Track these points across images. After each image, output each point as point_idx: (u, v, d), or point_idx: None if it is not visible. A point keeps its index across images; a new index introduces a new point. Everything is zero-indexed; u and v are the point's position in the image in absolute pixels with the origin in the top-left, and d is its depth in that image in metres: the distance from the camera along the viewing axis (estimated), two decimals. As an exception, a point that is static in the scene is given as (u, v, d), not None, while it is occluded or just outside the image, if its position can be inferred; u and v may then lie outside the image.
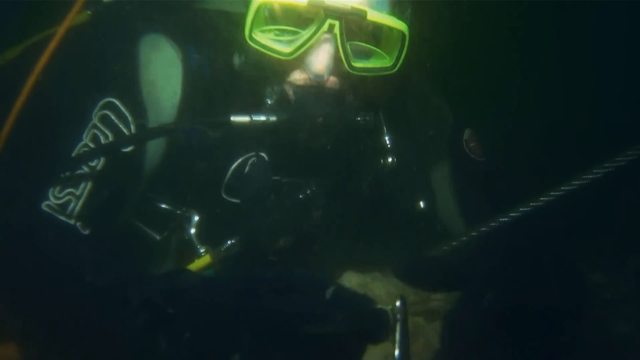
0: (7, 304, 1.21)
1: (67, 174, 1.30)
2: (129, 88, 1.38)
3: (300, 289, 0.96)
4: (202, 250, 1.44)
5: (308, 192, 1.45)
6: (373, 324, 0.93)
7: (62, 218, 1.28)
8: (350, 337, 0.91)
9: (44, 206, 1.28)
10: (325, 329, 0.90)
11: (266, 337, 0.90)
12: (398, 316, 0.94)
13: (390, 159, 1.49)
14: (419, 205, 1.54)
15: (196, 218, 1.45)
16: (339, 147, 1.40)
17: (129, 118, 1.35)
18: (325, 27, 1.25)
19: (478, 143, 1.68)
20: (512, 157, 1.89)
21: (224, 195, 1.47)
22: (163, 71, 1.41)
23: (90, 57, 1.44)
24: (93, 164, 1.33)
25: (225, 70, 1.42)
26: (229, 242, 1.43)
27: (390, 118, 1.51)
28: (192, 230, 1.46)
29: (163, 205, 1.48)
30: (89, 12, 1.58)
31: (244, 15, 1.33)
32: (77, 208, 1.30)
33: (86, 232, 1.30)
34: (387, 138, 1.49)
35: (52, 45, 1.37)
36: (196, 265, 1.42)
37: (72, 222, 1.29)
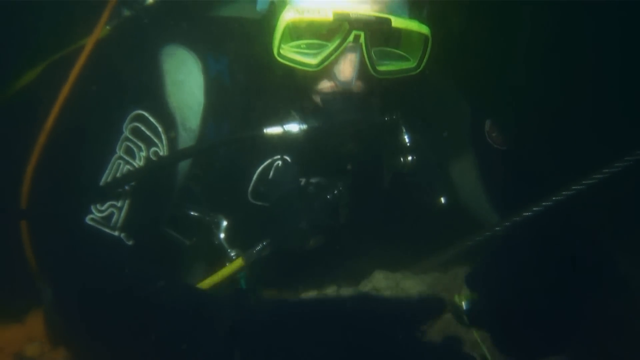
0: (71, 322, 1.26)
1: (108, 190, 1.33)
2: (156, 99, 1.41)
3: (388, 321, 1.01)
4: (232, 254, 1.47)
5: (335, 192, 1.47)
6: None
7: (107, 230, 1.31)
8: None
9: (88, 220, 1.31)
10: None
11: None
12: None
13: (410, 158, 1.51)
14: (440, 201, 1.55)
15: (224, 223, 1.49)
16: (364, 148, 1.42)
17: (159, 128, 1.38)
18: (351, 38, 1.27)
19: (499, 133, 1.69)
20: (535, 146, 1.89)
21: (251, 199, 1.50)
22: (185, 81, 1.44)
23: (114, 72, 1.47)
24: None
25: (246, 79, 1.45)
26: (260, 245, 1.46)
27: (408, 116, 1.52)
28: (222, 235, 1.49)
29: (192, 212, 1.51)
30: (108, 27, 1.61)
31: (260, 23, 1.36)
32: (121, 219, 1.32)
33: (130, 242, 1.33)
34: (406, 137, 1.50)
35: (81, 61, 1.40)
36: (229, 268, 1.45)
37: (116, 233, 1.32)
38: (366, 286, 1.33)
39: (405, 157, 1.51)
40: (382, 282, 1.28)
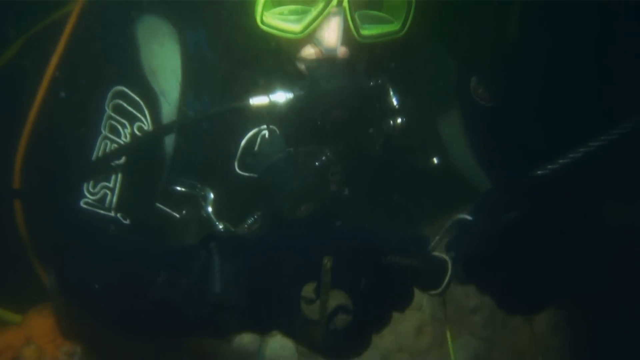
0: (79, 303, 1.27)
1: (98, 169, 1.32)
2: (133, 73, 1.38)
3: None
4: (220, 227, 1.47)
5: (323, 158, 1.47)
6: (439, 270, 0.98)
7: (103, 212, 1.31)
8: (422, 275, 0.96)
9: (82, 204, 1.30)
10: (409, 262, 0.93)
11: (352, 262, 0.93)
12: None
13: (399, 120, 1.49)
14: (433, 162, 1.55)
15: (211, 196, 1.48)
16: (352, 114, 1.41)
17: (141, 102, 1.36)
18: (334, 2, 1.25)
19: (485, 90, 1.68)
20: (522, 102, 1.88)
21: (238, 171, 1.49)
22: (162, 52, 1.41)
23: (90, 49, 1.43)
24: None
25: (226, 49, 1.42)
26: (250, 219, 1.46)
27: (395, 79, 1.50)
28: (209, 209, 1.48)
29: (178, 187, 1.50)
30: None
31: None
32: (115, 200, 1.32)
33: (127, 221, 1.33)
34: (394, 99, 1.49)
35: (62, 41, 1.39)
36: None
37: (112, 214, 1.31)
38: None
39: (394, 120, 1.50)
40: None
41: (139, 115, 1.36)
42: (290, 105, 1.33)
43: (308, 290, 0.91)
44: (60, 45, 1.39)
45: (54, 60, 1.38)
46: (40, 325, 1.43)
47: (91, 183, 1.31)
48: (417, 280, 0.97)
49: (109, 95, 1.35)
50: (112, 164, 1.33)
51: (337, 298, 0.90)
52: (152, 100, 1.38)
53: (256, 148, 1.46)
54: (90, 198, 1.30)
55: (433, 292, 1.00)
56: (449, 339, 1.51)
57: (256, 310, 0.97)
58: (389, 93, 1.48)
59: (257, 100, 1.33)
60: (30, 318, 1.44)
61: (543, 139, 1.58)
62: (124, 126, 1.35)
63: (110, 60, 1.40)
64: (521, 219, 1.01)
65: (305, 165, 1.45)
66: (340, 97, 1.33)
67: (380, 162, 1.59)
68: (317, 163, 1.46)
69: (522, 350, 1.68)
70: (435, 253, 1.00)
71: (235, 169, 1.49)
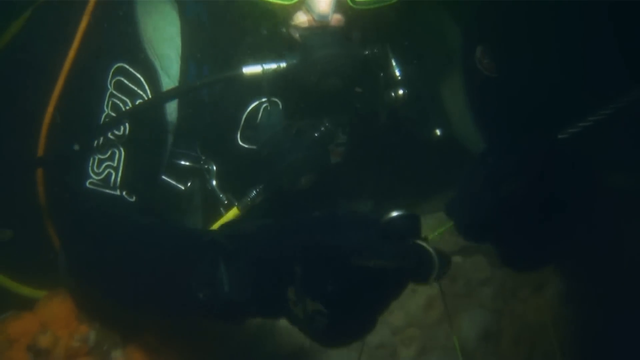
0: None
1: (100, 148, 1.34)
2: (133, 48, 1.39)
3: (348, 224, 0.98)
4: (225, 200, 1.49)
5: (322, 129, 1.46)
6: (418, 263, 0.95)
7: (108, 191, 1.33)
8: (397, 272, 0.93)
9: (88, 184, 1.32)
10: (374, 262, 0.92)
11: (317, 269, 0.93)
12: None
13: (401, 91, 1.47)
14: (436, 134, 1.53)
15: (215, 168, 1.49)
16: (350, 84, 1.39)
17: (141, 79, 1.37)
18: None
19: (491, 60, 1.65)
20: (529, 72, 1.84)
21: (241, 143, 1.49)
22: (161, 25, 1.42)
23: (90, 27, 1.43)
24: (120, 132, 1.36)
25: (224, 19, 1.41)
26: (254, 192, 1.46)
27: (397, 48, 1.48)
28: (214, 182, 1.50)
29: (183, 162, 1.52)
30: None
31: None
32: (119, 178, 1.34)
33: (132, 199, 1.35)
34: (396, 70, 1.47)
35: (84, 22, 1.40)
36: (225, 218, 1.46)
37: (117, 193, 1.33)
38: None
39: (396, 91, 1.47)
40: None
41: (139, 92, 1.37)
42: (283, 74, 1.32)
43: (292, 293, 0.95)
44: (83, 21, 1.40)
45: (78, 36, 1.39)
46: (55, 310, 1.43)
47: (96, 163, 1.33)
48: (397, 277, 0.95)
49: (111, 72, 1.36)
50: (113, 142, 1.34)
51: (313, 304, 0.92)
52: (152, 76, 1.39)
53: (258, 121, 1.46)
54: (95, 178, 1.32)
55: (422, 283, 0.97)
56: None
57: (260, 306, 1.00)
58: (391, 63, 1.46)
59: (250, 69, 1.31)
60: (45, 303, 1.44)
61: (549, 113, 1.54)
62: (125, 104, 1.36)
63: (111, 36, 1.41)
64: (521, 190, 1.00)
65: (305, 136, 1.44)
66: (333, 66, 1.31)
67: (384, 134, 1.58)
68: (316, 134, 1.45)
69: (532, 320, 1.67)
70: (419, 241, 0.96)
71: (237, 141, 1.49)
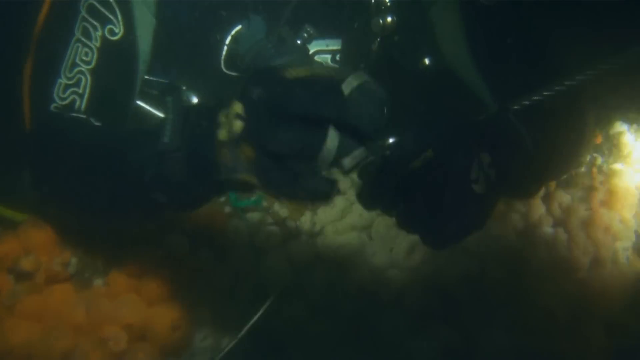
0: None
1: (67, 73, 1.32)
2: None
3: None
4: None
5: (305, 34, 1.43)
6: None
7: (74, 114, 1.31)
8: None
9: (52, 108, 1.30)
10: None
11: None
12: None
13: (389, 18, 1.42)
14: (424, 63, 1.47)
15: (195, 100, 1.47)
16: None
17: (112, 3, 1.34)
18: None
19: None
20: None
21: (225, 70, 1.46)
22: None
23: None
24: (87, 58, 1.33)
25: None
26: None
27: None
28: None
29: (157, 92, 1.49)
30: None
31: None
32: (84, 105, 1.32)
33: (99, 123, 1.33)
34: None
35: None
36: None
37: (83, 117, 1.32)
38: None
39: (384, 19, 1.42)
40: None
41: (110, 16, 1.34)
42: None
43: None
44: None
45: None
46: (37, 236, 1.43)
47: (61, 87, 1.31)
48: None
49: None
50: (80, 68, 1.31)
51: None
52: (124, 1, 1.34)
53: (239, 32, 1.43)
54: (59, 103, 1.30)
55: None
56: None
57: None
58: None
59: None
60: (27, 228, 1.44)
61: (548, 45, 1.47)
62: (95, 29, 1.33)
63: None
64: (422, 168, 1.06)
65: (287, 41, 1.41)
66: None
67: (377, 62, 1.52)
68: (298, 41, 1.42)
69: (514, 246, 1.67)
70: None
71: (221, 68, 1.46)
